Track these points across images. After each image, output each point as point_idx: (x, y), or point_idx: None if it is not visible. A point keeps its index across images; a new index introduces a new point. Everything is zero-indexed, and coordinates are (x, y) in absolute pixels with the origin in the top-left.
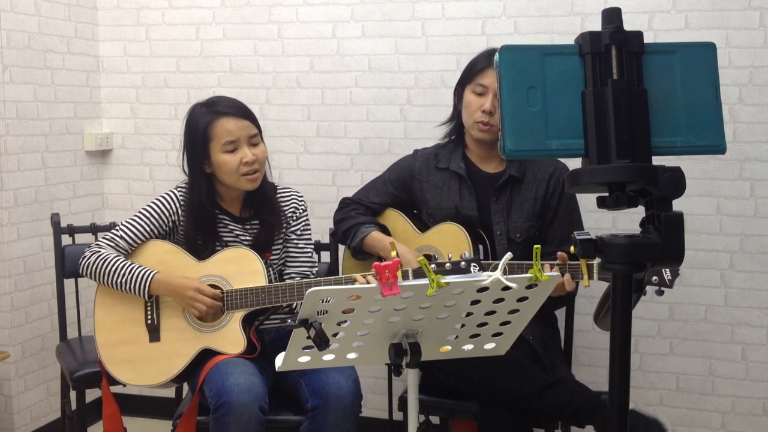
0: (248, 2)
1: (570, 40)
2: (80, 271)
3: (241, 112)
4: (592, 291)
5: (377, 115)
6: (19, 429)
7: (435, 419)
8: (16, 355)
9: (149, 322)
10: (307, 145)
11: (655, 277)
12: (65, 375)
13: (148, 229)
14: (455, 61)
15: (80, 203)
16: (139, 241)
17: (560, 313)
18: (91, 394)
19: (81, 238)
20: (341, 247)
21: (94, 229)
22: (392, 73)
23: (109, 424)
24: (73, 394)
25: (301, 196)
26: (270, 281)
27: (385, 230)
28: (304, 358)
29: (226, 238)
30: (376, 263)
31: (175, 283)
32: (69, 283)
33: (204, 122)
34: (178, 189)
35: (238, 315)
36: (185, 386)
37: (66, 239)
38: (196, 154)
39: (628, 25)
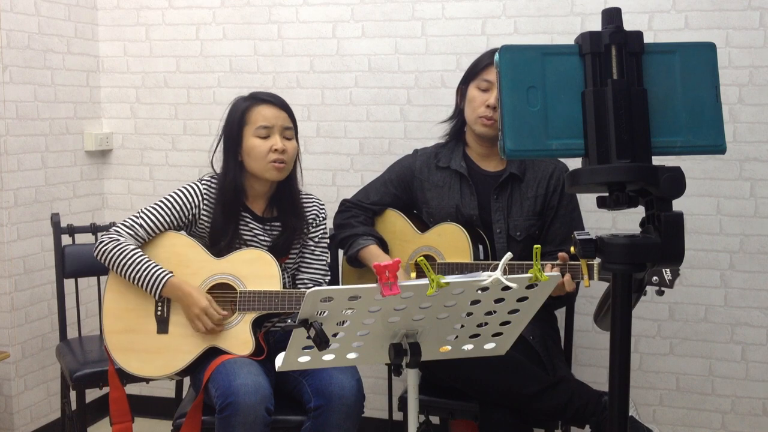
0: (248, 2)
1: (570, 40)
2: (95, 254)
3: (281, 103)
4: (592, 291)
5: (377, 115)
6: (19, 429)
7: (435, 419)
8: (16, 355)
9: (159, 313)
10: (307, 145)
11: (655, 278)
12: (65, 375)
13: (168, 219)
14: (455, 61)
15: (80, 203)
16: (158, 231)
17: (560, 313)
18: (91, 394)
19: (81, 238)
20: (341, 250)
21: (94, 229)
22: (392, 73)
23: (116, 408)
24: (73, 394)
25: (323, 204)
26: (283, 286)
27: (382, 242)
28: (304, 358)
29: (245, 236)
30: (375, 263)
31: (186, 293)
32: (69, 283)
33: (242, 107)
34: (202, 182)
35: (249, 317)
36: (185, 386)
37: (66, 239)
38: (231, 139)
39: (628, 25)
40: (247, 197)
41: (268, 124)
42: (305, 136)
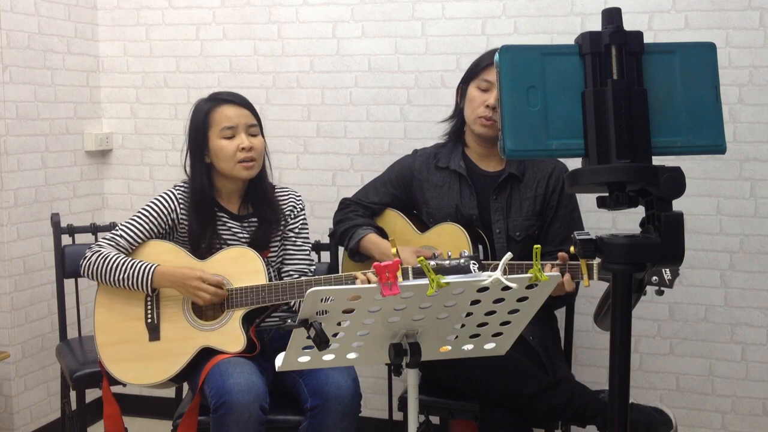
0: (248, 2)
1: (570, 40)
2: (81, 271)
3: (241, 101)
4: (592, 291)
5: (377, 115)
6: (19, 429)
7: (435, 419)
8: (16, 355)
9: (149, 320)
10: (307, 145)
11: (655, 277)
12: (65, 375)
13: (147, 228)
14: (455, 61)
15: (80, 203)
16: (139, 241)
17: (560, 313)
18: (91, 394)
19: (81, 238)
20: (341, 248)
21: (94, 229)
22: (392, 73)
23: (110, 424)
24: (73, 394)
25: (299, 196)
26: (269, 279)
27: (382, 233)
28: (304, 358)
29: (224, 236)
30: (375, 263)
31: (178, 274)
32: (69, 283)
33: (205, 110)
34: (176, 188)
35: (239, 313)
36: (185, 386)
37: (66, 239)
38: (197, 142)
39: (628, 25)
40: (221, 197)
41: (232, 124)
42: (305, 136)
